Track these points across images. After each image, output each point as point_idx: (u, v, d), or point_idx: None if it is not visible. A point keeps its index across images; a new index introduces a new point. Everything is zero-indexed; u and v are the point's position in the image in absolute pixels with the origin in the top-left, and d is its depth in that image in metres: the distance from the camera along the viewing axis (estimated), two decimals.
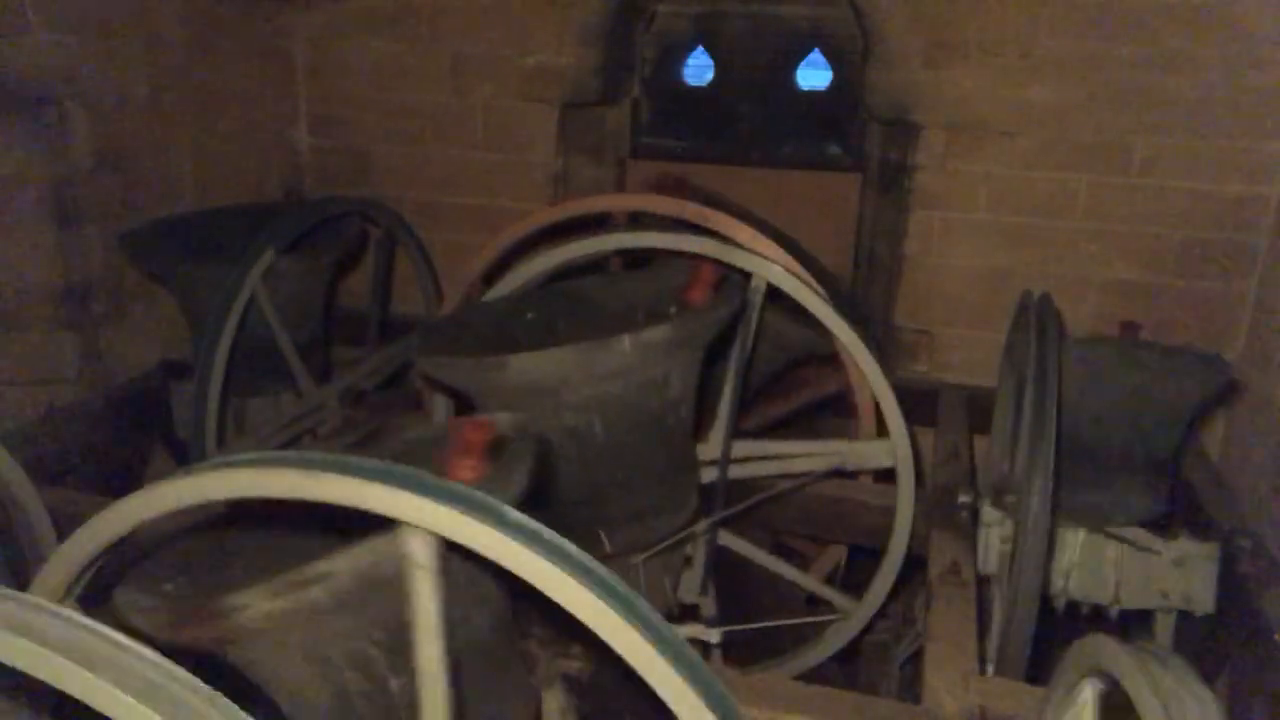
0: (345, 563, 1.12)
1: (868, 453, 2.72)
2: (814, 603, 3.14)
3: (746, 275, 2.57)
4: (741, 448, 2.68)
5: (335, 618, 1.21)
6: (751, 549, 2.86)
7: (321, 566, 1.12)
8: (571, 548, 1.05)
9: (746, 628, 2.49)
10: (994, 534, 2.38)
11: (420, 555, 1.06)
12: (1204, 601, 2.44)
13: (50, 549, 1.84)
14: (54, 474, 2.78)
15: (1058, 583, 2.47)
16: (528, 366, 1.93)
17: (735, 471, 2.64)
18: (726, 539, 2.78)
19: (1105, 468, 2.52)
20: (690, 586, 2.53)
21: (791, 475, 2.73)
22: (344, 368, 3.50)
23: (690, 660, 1.02)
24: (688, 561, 2.56)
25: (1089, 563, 2.46)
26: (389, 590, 1.14)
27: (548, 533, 1.05)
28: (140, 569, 1.32)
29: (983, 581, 2.33)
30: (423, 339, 2.26)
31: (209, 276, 2.93)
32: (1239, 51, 3.07)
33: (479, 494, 1.06)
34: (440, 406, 2.96)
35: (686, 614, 2.57)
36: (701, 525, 2.45)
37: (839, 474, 2.79)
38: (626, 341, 1.92)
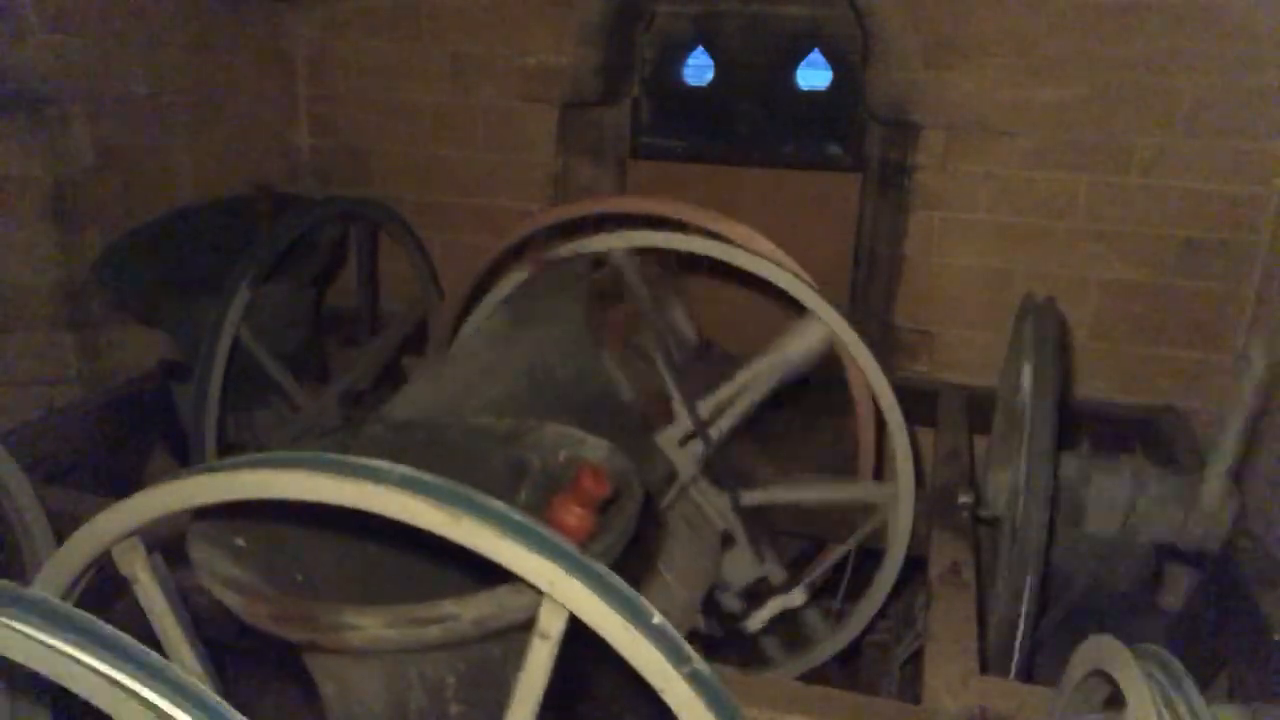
0: (470, 610, 1.12)
1: (804, 339, 2.61)
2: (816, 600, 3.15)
3: (751, 275, 2.58)
4: (706, 404, 2.65)
5: (436, 652, 1.21)
6: (773, 491, 2.81)
7: (447, 608, 1.11)
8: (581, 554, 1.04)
9: (818, 575, 2.44)
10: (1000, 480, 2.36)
11: (550, 629, 1.04)
12: (1220, 518, 2.37)
13: (49, 550, 1.84)
14: (54, 474, 2.78)
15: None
16: (407, 402, 1.88)
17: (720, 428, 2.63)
18: (747, 497, 2.75)
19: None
20: (743, 564, 2.50)
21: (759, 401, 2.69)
22: (339, 367, 3.50)
23: (691, 661, 1.02)
24: (730, 541, 2.55)
25: (1093, 493, 2.43)
26: (495, 638, 1.15)
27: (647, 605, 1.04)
28: (205, 521, 1.30)
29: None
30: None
31: (183, 313, 2.94)
32: (1239, 51, 3.07)
33: (627, 588, 1.03)
34: None
35: (755, 593, 2.56)
36: (684, 479, 2.43)
37: (820, 407, 2.79)
38: (472, 341, 1.92)
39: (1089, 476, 2.41)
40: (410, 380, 1.94)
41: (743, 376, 2.64)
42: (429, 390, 1.94)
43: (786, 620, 2.68)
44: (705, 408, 2.62)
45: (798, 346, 2.61)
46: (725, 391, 2.66)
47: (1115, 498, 2.38)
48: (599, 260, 2.81)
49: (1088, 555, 2.48)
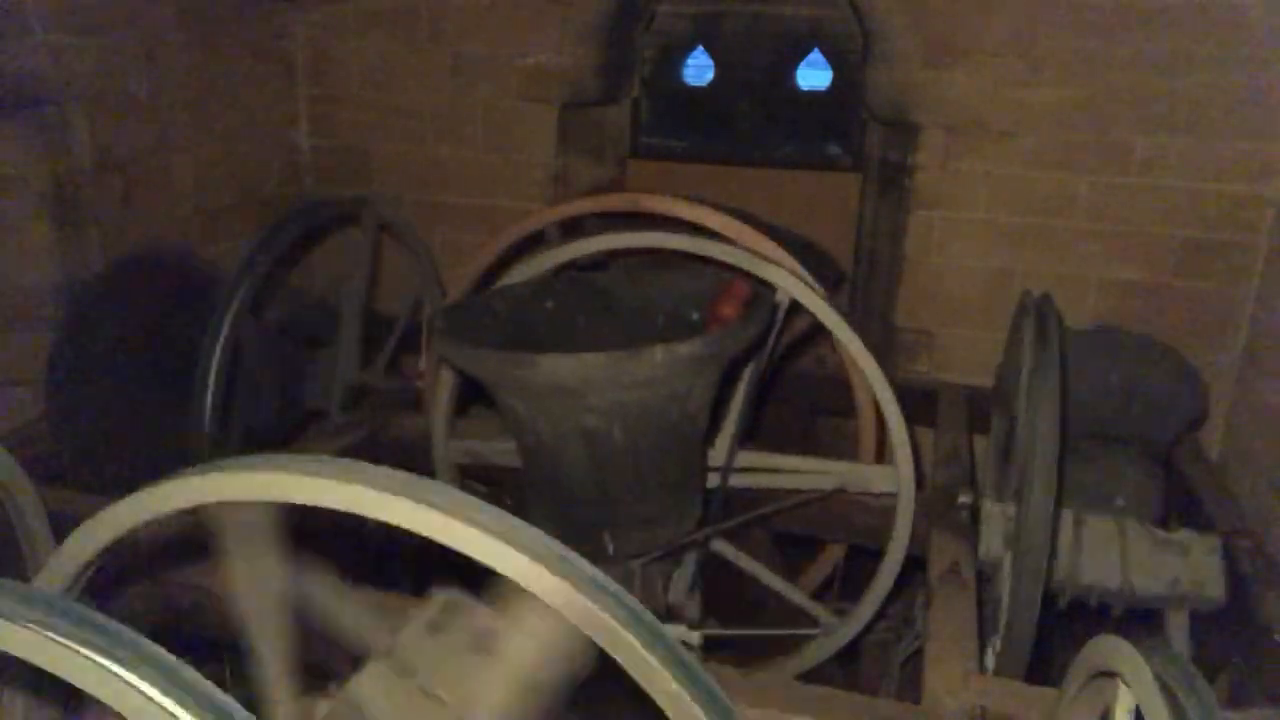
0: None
1: (871, 477, 2.68)
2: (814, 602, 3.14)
3: (764, 284, 2.58)
4: (746, 458, 2.67)
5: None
6: (740, 557, 2.85)
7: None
8: (570, 553, 1.04)
9: (728, 634, 2.49)
10: (995, 525, 2.36)
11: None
12: (1215, 587, 2.36)
13: (48, 550, 1.84)
14: (54, 474, 2.78)
15: (1062, 571, 2.42)
16: (556, 368, 1.94)
17: (737, 480, 2.64)
18: (720, 546, 2.78)
19: (1099, 445, 2.53)
20: (679, 587, 2.53)
21: (792, 491, 2.71)
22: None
23: (687, 664, 1.02)
24: (678, 563, 2.57)
25: (1095, 549, 2.44)
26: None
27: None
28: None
29: (981, 576, 2.33)
30: (442, 321, 2.24)
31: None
32: (1239, 51, 3.06)
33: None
34: (443, 404, 2.96)
35: (671, 614, 2.57)
36: (701, 534, 2.45)
37: (821, 407, 2.80)
38: (659, 353, 1.91)
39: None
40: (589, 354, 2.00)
41: (791, 463, 2.67)
42: (585, 366, 1.96)
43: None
44: (744, 459, 2.65)
45: (861, 484, 2.67)
46: (776, 460, 2.69)
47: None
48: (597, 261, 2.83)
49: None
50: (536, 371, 1.94)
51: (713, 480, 2.58)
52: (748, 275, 2.51)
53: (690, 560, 2.54)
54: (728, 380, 2.43)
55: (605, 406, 1.99)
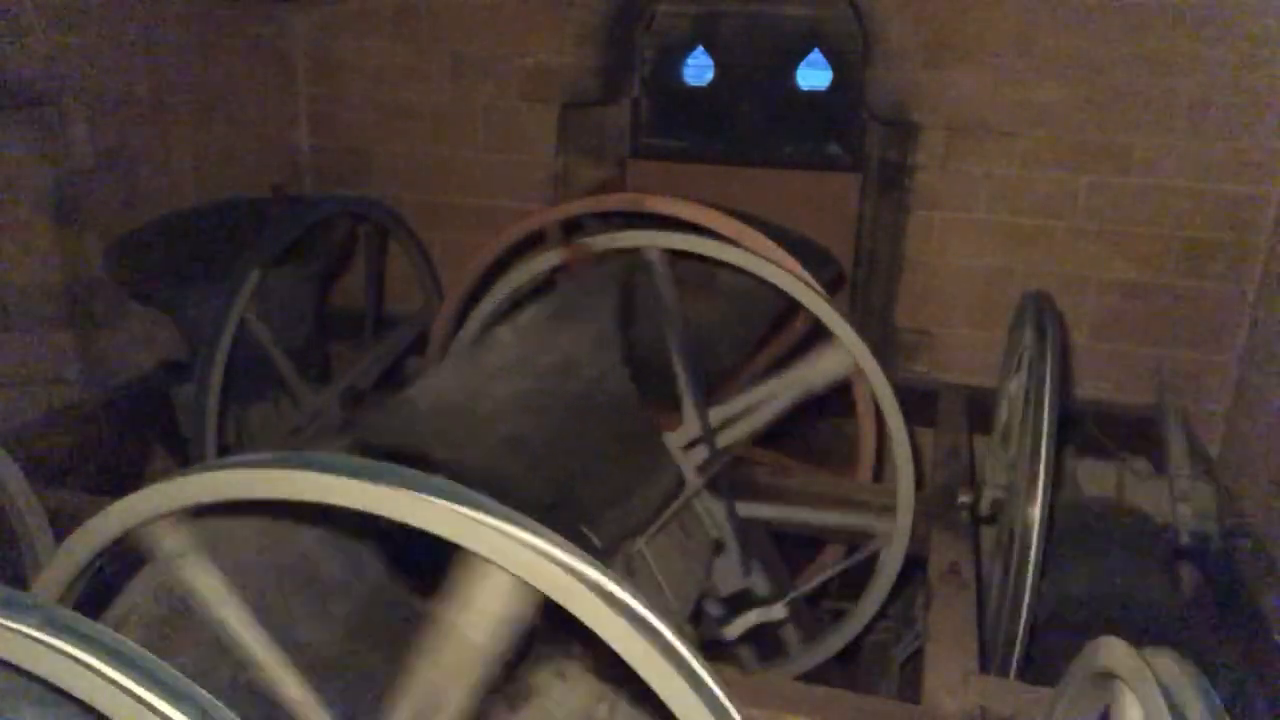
0: None
1: (827, 363, 2.58)
2: (814, 602, 3.15)
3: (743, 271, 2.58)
4: (717, 413, 2.64)
5: None
6: (771, 509, 2.80)
7: None
8: (568, 546, 1.04)
9: (802, 592, 2.45)
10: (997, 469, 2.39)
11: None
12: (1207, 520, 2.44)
13: (47, 550, 1.84)
14: (54, 474, 2.78)
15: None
16: (429, 388, 1.91)
17: (726, 438, 2.63)
18: (744, 510, 2.74)
19: None
20: (730, 573, 2.50)
21: (772, 421, 2.68)
22: (342, 368, 3.50)
23: (686, 660, 1.02)
24: (719, 549, 2.55)
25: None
26: None
27: (549, 534, 1.04)
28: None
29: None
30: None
31: (195, 299, 2.95)
32: (1239, 51, 3.07)
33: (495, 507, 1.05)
34: None
35: (737, 603, 2.56)
36: (691, 488, 2.42)
37: (821, 407, 2.75)
38: (505, 333, 1.93)
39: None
40: (438, 365, 1.97)
41: (759, 391, 2.65)
42: (453, 377, 1.95)
43: (764, 631, 2.67)
44: (716, 415, 2.62)
45: (819, 372, 2.60)
46: (739, 403, 2.66)
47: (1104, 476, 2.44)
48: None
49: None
50: (415, 402, 1.89)
51: (705, 457, 2.58)
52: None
53: (731, 544, 2.52)
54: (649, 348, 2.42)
55: (504, 408, 1.97)
